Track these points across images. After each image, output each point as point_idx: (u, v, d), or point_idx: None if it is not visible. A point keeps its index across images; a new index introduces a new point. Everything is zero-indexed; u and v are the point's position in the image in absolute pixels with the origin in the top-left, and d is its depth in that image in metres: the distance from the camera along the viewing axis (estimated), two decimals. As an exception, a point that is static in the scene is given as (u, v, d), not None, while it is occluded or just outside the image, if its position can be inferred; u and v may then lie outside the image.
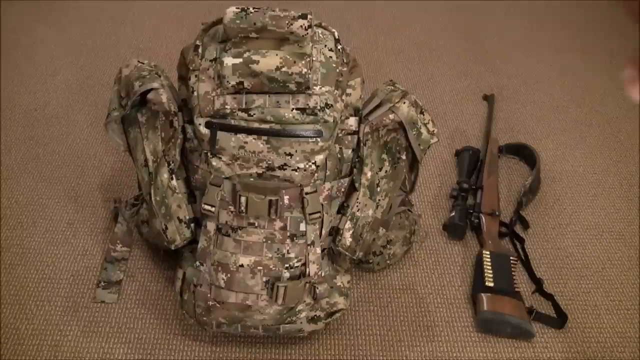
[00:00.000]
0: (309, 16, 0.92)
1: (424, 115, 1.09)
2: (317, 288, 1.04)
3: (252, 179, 0.98)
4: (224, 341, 1.14)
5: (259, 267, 1.01)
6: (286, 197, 0.98)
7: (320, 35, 0.99)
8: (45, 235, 1.33)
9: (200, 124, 0.96)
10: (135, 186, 1.27)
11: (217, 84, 0.94)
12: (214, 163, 0.98)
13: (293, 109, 0.94)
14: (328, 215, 1.05)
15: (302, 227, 1.01)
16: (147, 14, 2.10)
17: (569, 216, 1.46)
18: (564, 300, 1.25)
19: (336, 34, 1.01)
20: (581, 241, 1.40)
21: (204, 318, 1.05)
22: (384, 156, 1.08)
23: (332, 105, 0.96)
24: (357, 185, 1.06)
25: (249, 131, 0.95)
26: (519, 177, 1.55)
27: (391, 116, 1.05)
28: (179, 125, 1.02)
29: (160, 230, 1.07)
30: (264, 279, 1.01)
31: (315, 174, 0.99)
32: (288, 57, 0.92)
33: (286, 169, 0.97)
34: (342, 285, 1.10)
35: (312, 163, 0.97)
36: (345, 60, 1.00)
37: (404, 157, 1.11)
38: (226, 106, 0.94)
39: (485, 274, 1.25)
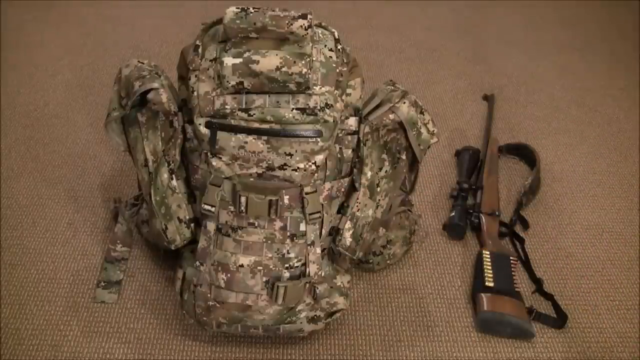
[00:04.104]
0: (309, 16, 0.92)
1: (424, 115, 1.09)
2: (317, 288, 1.04)
3: (252, 179, 0.98)
4: (224, 341, 1.14)
5: (259, 267, 1.01)
6: (286, 197, 0.98)
7: (320, 35, 0.99)
8: (45, 235, 1.33)
9: (200, 124, 0.96)
10: (135, 186, 1.27)
11: (217, 84, 0.94)
12: (214, 163, 0.98)
13: (293, 109, 0.94)
14: (328, 215, 1.05)
15: (302, 227, 1.01)
16: (147, 14, 2.10)
17: (569, 216, 1.46)
18: (564, 300, 1.25)
19: (336, 34, 1.01)
20: (581, 241, 1.40)
21: (204, 318, 1.05)
22: (384, 156, 1.08)
23: (332, 105, 0.96)
24: (357, 185, 1.06)
25: (249, 131, 0.95)
26: (519, 177, 1.55)
27: (391, 116, 1.05)
28: (179, 125, 1.02)
29: (160, 230, 1.07)
30: (264, 279, 1.01)
31: (315, 174, 0.99)
32: (288, 57, 0.92)
33: (286, 169, 0.97)
34: (342, 285, 1.10)
35: (312, 163, 0.97)
36: (345, 60, 1.00)
37: (404, 157, 1.11)
38: (226, 106, 0.94)
39: (485, 274, 1.25)
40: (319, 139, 0.96)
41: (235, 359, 1.12)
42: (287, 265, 1.01)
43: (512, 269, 1.27)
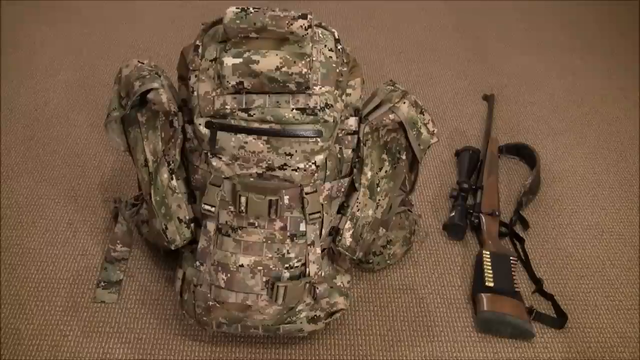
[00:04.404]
0: (309, 16, 0.92)
1: (424, 115, 1.09)
2: (317, 288, 1.04)
3: (252, 179, 0.98)
4: (224, 341, 1.14)
5: (259, 267, 1.01)
6: (286, 197, 0.98)
7: (320, 35, 0.99)
8: (45, 235, 1.33)
9: (200, 124, 0.96)
10: (135, 186, 1.27)
11: (217, 84, 0.94)
12: (214, 163, 0.98)
13: (293, 109, 0.94)
14: (328, 215, 1.05)
15: (302, 227, 1.01)
16: (147, 14, 2.10)
17: (569, 216, 1.46)
18: (564, 300, 1.25)
19: (336, 34, 1.00)
20: (581, 241, 1.40)
21: (204, 318, 1.05)
22: (384, 156, 1.08)
23: (332, 105, 0.96)
24: (357, 185, 1.06)
25: (249, 131, 0.95)
26: (519, 177, 1.55)
27: (391, 116, 1.05)
28: (179, 125, 1.02)
29: (160, 230, 1.07)
30: (264, 279, 1.01)
31: (315, 174, 0.99)
32: (288, 57, 0.92)
33: (286, 169, 0.97)
34: (342, 285, 1.10)
35: (312, 163, 0.97)
36: (345, 60, 1.00)
37: (404, 157, 1.10)
38: (226, 106, 0.94)
39: (485, 274, 1.25)
40: (319, 139, 0.96)
41: (235, 359, 1.12)
42: (287, 265, 1.01)
43: (512, 269, 1.27)
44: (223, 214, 1.00)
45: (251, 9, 0.92)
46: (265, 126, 0.95)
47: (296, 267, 1.02)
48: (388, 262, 1.26)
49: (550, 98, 1.84)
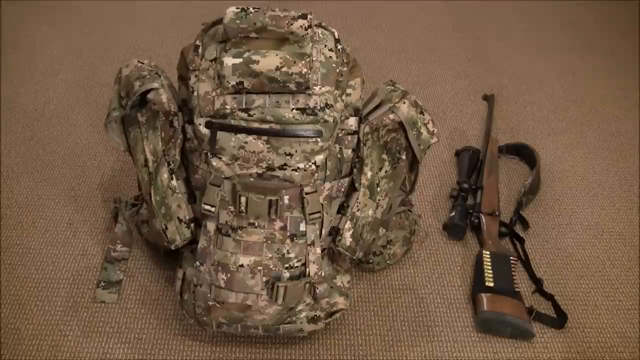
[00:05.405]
0: (309, 16, 0.92)
1: (424, 115, 1.09)
2: (317, 288, 1.04)
3: (252, 179, 0.98)
4: (224, 341, 1.14)
5: (259, 267, 1.01)
6: (286, 197, 0.98)
7: (320, 35, 0.99)
8: (45, 235, 1.33)
9: (200, 124, 0.96)
10: (135, 186, 1.27)
11: (217, 84, 0.94)
12: (214, 163, 0.98)
13: (293, 109, 0.94)
14: (328, 215, 1.05)
15: (302, 227, 1.01)
16: (147, 14, 2.10)
17: (569, 216, 1.46)
18: (564, 300, 1.25)
19: (336, 34, 1.01)
20: (581, 241, 1.40)
21: (204, 318, 1.05)
22: (384, 156, 1.08)
23: (332, 105, 0.96)
24: (357, 185, 1.06)
25: (249, 131, 0.95)
26: (519, 177, 1.55)
27: (391, 116, 1.05)
28: (179, 125, 1.02)
29: (160, 230, 1.07)
30: (264, 279, 1.01)
31: (315, 174, 0.99)
32: (288, 57, 0.92)
33: (286, 169, 0.97)
34: (342, 285, 1.10)
35: (312, 163, 0.97)
36: (345, 60, 1.00)
37: (404, 157, 1.11)
38: (226, 106, 0.94)
39: (485, 274, 1.25)
40: (319, 139, 0.96)
41: (235, 359, 1.12)
42: (287, 265, 1.01)
43: (512, 269, 1.27)
44: (223, 214, 1.00)
45: (251, 9, 0.92)
46: (265, 126, 0.95)
47: (296, 267, 1.02)
48: (388, 262, 1.26)
49: (550, 98, 1.84)
